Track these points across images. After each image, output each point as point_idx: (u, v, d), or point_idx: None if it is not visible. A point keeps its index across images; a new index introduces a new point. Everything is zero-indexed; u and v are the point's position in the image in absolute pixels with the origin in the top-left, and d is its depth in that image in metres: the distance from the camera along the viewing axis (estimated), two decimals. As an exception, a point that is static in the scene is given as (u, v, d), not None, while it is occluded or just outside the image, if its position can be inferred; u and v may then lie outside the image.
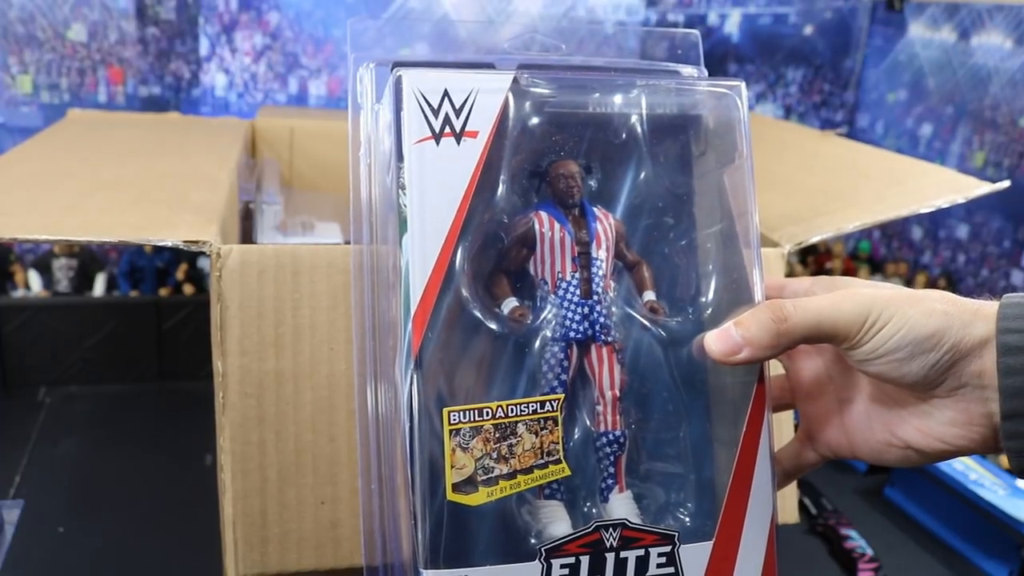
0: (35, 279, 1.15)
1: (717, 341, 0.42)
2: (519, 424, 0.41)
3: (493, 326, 0.42)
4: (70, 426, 0.95)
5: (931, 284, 1.34)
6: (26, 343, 1.02)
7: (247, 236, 0.84)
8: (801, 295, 0.46)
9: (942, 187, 0.69)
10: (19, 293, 1.15)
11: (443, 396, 0.40)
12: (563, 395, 0.43)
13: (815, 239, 0.64)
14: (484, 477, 0.40)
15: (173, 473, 0.87)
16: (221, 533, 0.52)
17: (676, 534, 0.43)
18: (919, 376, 0.40)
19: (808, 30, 1.50)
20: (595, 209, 0.45)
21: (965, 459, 0.90)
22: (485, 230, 0.43)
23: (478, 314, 0.42)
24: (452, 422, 0.40)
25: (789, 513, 0.64)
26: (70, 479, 0.85)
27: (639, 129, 0.46)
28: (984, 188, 0.67)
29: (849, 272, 1.42)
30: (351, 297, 0.48)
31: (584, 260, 0.44)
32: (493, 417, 0.40)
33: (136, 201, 0.61)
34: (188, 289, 1.18)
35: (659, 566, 0.42)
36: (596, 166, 0.46)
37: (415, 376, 0.40)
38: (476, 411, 0.40)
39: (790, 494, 0.64)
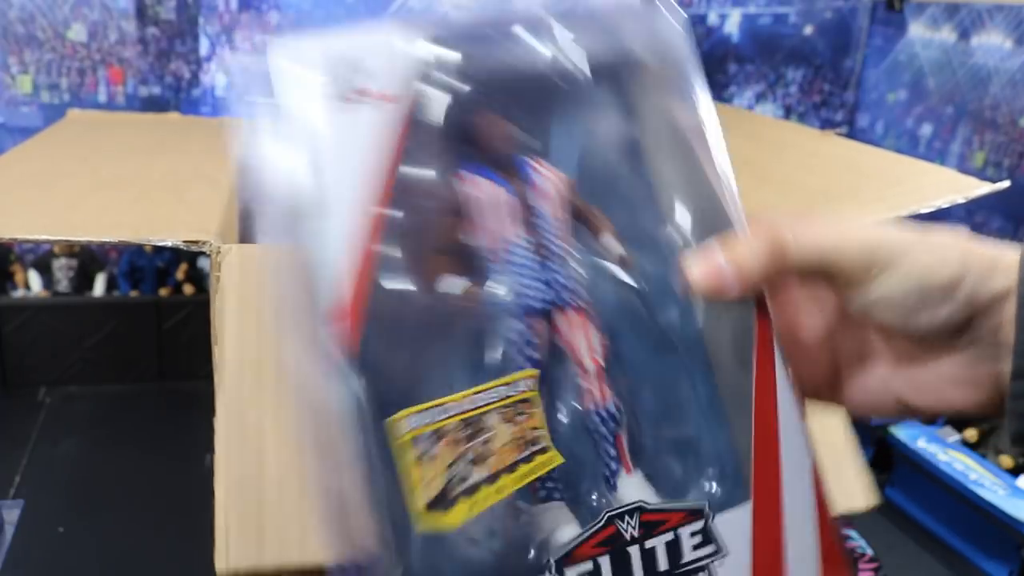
0: (35, 279, 1.15)
1: (699, 266, 0.37)
2: (490, 415, 0.34)
3: (438, 311, 0.35)
4: (70, 426, 0.95)
5: (931, 284, 1.34)
6: (26, 343, 1.02)
7: (247, 236, 0.84)
8: None
9: (942, 187, 0.69)
10: (19, 293, 1.15)
11: (392, 400, 0.33)
12: (535, 371, 0.36)
13: (815, 239, 0.64)
14: (460, 488, 0.33)
15: (173, 473, 0.87)
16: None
17: (705, 505, 0.36)
18: (929, 328, 0.37)
19: (808, 30, 1.50)
20: (533, 163, 0.39)
21: (965, 459, 0.90)
22: (412, 204, 0.36)
23: (419, 300, 0.35)
24: (409, 428, 0.33)
25: (865, 495, 0.56)
26: (70, 479, 0.85)
27: (572, 76, 0.40)
28: (984, 188, 0.67)
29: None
30: (274, 307, 0.42)
31: (532, 220, 0.38)
32: (459, 413, 0.33)
33: (136, 201, 0.61)
34: (188, 289, 1.18)
35: (695, 547, 0.36)
36: (528, 119, 0.40)
37: (356, 380, 0.33)
38: (435, 409, 0.33)
39: (859, 474, 0.56)
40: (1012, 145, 1.24)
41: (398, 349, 0.34)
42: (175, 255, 1.19)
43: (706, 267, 0.37)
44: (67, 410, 0.99)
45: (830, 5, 1.50)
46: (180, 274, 1.19)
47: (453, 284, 0.36)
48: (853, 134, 1.54)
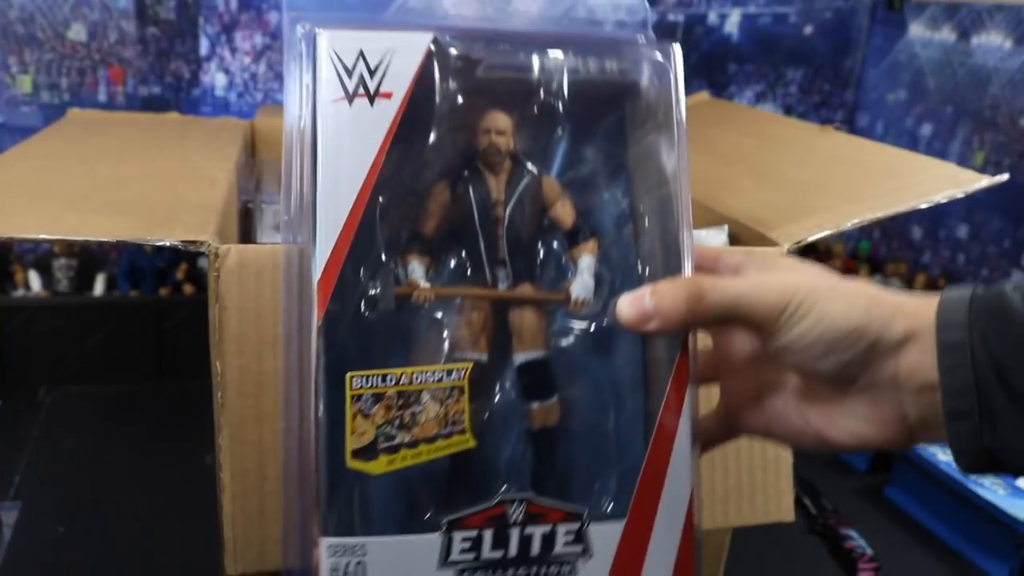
0: (35, 279, 1.15)
1: (629, 306, 0.41)
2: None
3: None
4: (70, 426, 0.95)
5: (931, 284, 1.34)
6: (26, 343, 1.02)
7: (246, 236, 0.84)
8: (732, 269, 0.46)
9: (941, 181, 0.69)
10: (19, 293, 1.15)
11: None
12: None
13: (814, 238, 0.64)
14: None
15: (173, 473, 0.87)
16: (221, 531, 0.52)
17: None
18: (834, 372, 0.40)
19: (808, 30, 1.50)
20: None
21: (965, 458, 0.90)
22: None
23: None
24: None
25: (786, 511, 0.63)
26: (70, 479, 0.85)
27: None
28: (983, 181, 0.67)
29: (849, 271, 1.42)
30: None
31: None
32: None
33: (135, 201, 0.61)
34: (188, 289, 1.18)
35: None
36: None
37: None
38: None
39: (786, 492, 0.63)
40: (1012, 145, 1.24)
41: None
42: (175, 255, 1.19)
43: (633, 306, 0.41)
44: (67, 410, 0.99)
45: (830, 5, 1.50)
46: (180, 274, 1.19)
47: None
48: (853, 133, 1.54)
